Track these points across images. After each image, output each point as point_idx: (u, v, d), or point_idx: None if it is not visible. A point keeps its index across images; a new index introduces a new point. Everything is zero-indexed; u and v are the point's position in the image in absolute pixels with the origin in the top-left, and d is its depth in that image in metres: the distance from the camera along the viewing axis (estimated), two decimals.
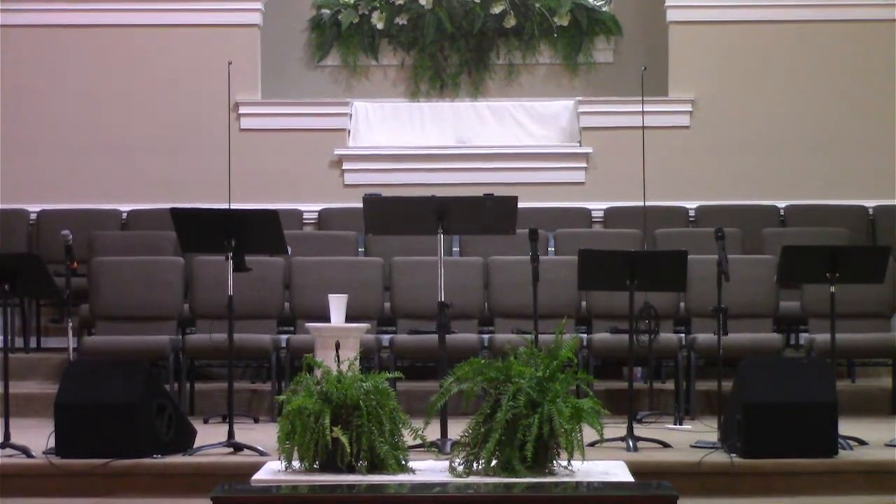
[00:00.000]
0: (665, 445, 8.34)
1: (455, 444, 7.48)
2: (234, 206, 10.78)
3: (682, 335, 10.17)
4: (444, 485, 6.77)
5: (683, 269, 8.72)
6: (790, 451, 7.81)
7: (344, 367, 7.26)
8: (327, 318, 8.82)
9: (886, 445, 8.35)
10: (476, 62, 13.21)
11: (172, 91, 12.43)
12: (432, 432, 7.72)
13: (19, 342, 11.25)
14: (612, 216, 12.16)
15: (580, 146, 12.60)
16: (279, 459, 7.21)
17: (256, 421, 9.68)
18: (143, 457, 7.87)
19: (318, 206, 12.30)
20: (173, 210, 8.54)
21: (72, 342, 9.31)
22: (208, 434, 8.40)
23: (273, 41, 12.94)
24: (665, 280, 8.81)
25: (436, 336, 8.51)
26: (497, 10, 13.16)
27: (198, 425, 8.54)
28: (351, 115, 12.80)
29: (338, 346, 7.53)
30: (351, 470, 6.98)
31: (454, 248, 11.40)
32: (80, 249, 10.12)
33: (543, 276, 8.90)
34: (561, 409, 6.94)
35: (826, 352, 9.12)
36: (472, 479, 6.86)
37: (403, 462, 7.10)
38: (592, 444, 7.42)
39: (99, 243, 11.22)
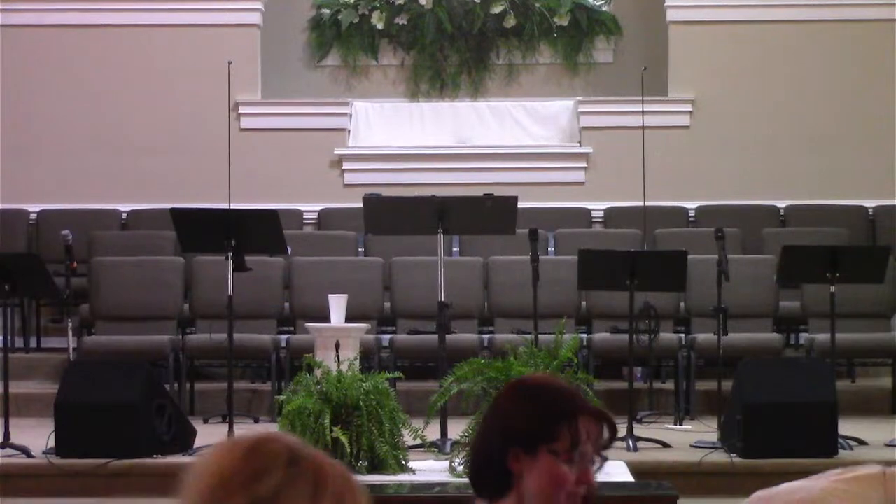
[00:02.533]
0: (665, 445, 8.34)
1: (455, 443, 7.48)
2: (234, 206, 10.76)
3: (682, 335, 10.16)
4: (444, 485, 6.77)
5: (683, 269, 8.73)
6: (790, 451, 7.81)
7: (344, 367, 7.27)
8: (327, 318, 8.81)
9: (886, 445, 8.36)
10: (476, 62, 13.19)
11: (172, 91, 12.41)
12: (432, 432, 7.73)
13: (19, 342, 11.23)
14: (612, 216, 12.14)
15: (580, 146, 12.57)
16: None
17: (256, 421, 9.67)
18: (143, 457, 7.87)
19: (318, 206, 12.27)
20: (173, 210, 8.55)
21: (72, 342, 9.30)
22: (208, 434, 8.39)
23: (273, 41, 12.92)
24: (665, 280, 8.82)
25: (436, 336, 8.52)
26: (497, 10, 13.14)
27: (198, 425, 8.55)
28: (351, 115, 12.77)
29: (338, 346, 7.53)
30: (351, 470, 6.97)
31: (454, 248, 11.37)
32: (80, 249, 10.10)
33: (543, 276, 8.90)
34: None
35: (826, 352, 9.12)
36: None
37: (403, 462, 7.10)
38: None
39: (99, 243, 11.21)
